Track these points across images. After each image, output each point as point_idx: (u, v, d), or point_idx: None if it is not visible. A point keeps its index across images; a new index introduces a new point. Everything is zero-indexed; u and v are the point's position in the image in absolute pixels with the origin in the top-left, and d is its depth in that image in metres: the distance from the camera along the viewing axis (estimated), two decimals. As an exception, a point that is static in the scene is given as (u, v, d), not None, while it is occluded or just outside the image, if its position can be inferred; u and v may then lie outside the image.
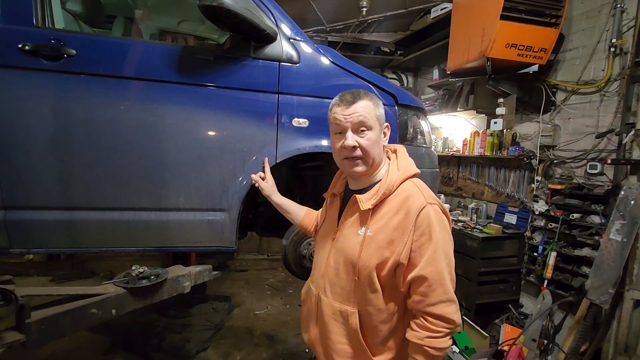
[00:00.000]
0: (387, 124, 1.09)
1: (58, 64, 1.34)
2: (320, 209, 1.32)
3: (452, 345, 2.50)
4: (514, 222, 3.22)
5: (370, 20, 4.25)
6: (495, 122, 3.25)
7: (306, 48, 1.58)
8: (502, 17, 2.50)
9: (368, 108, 1.02)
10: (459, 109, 3.69)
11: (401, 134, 1.71)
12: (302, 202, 1.48)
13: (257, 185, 1.47)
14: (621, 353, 2.28)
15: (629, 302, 2.26)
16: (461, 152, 3.88)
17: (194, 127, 1.48)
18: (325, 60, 1.60)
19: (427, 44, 3.94)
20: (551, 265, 2.70)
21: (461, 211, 3.90)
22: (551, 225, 2.78)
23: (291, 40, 1.55)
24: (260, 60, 1.51)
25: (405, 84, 5.06)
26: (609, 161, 2.41)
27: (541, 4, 2.54)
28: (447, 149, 4.15)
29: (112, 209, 1.47)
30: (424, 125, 1.84)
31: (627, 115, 2.38)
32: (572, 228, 2.63)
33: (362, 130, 1.01)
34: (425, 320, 0.96)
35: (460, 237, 3.11)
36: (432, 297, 0.94)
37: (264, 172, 1.51)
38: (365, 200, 1.03)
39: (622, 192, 2.28)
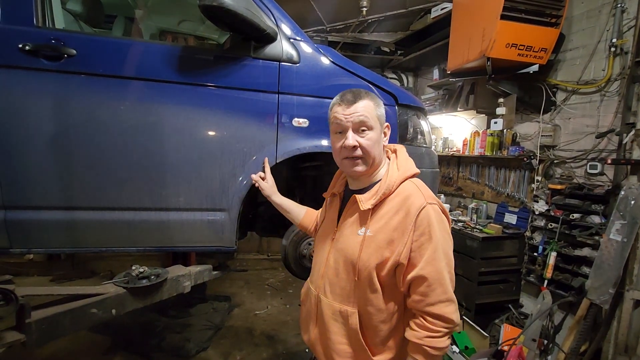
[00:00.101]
0: (387, 123, 1.09)
1: (58, 64, 1.34)
2: (320, 209, 1.32)
3: (451, 345, 2.52)
4: (514, 222, 3.22)
5: (370, 20, 4.25)
6: (495, 122, 3.25)
7: (306, 48, 1.58)
8: (503, 17, 2.49)
9: (369, 108, 1.02)
10: (459, 109, 3.69)
11: (401, 133, 1.71)
12: (302, 202, 1.48)
13: (257, 185, 1.47)
14: (621, 353, 2.28)
15: (629, 302, 2.26)
16: (461, 152, 3.88)
17: (194, 127, 1.48)
18: (325, 60, 1.60)
19: (427, 44, 3.94)
20: (551, 265, 2.70)
21: (461, 211, 3.90)
22: (551, 225, 2.78)
23: (291, 40, 1.55)
24: (261, 60, 1.51)
25: (406, 84, 5.06)
26: (609, 161, 2.41)
27: (541, 3, 2.54)
28: (447, 149, 4.15)
29: (112, 209, 1.47)
30: (424, 125, 1.84)
31: (627, 115, 2.38)
32: (572, 228, 2.63)
33: (363, 130, 1.01)
34: (425, 319, 0.96)
35: (460, 237, 3.10)
36: (431, 296, 0.94)
37: (264, 172, 1.51)
38: (365, 200, 1.02)
39: (622, 192, 2.28)
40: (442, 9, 3.62)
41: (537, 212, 2.93)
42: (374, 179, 1.08)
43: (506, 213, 3.33)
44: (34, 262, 3.40)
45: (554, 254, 2.69)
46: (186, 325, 2.93)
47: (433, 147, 1.93)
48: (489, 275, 3.04)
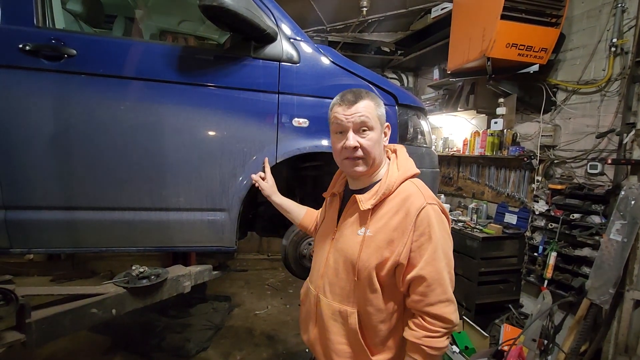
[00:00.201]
0: (387, 123, 1.09)
1: (58, 64, 1.34)
2: (320, 209, 1.32)
3: (451, 345, 2.52)
4: (514, 222, 3.22)
5: (370, 20, 4.25)
6: (495, 122, 3.25)
7: (306, 48, 1.58)
8: (503, 17, 2.49)
9: (369, 108, 1.02)
10: (459, 109, 3.69)
11: (401, 133, 1.71)
12: (302, 202, 1.48)
13: (257, 185, 1.47)
14: (621, 353, 2.28)
15: (629, 302, 2.26)
16: (461, 152, 3.87)
17: (194, 127, 1.48)
18: (325, 60, 1.60)
19: (427, 44, 3.94)
20: (551, 265, 2.70)
21: (461, 211, 3.90)
22: (551, 225, 2.77)
23: (291, 40, 1.55)
24: (261, 60, 1.51)
25: (406, 84, 5.06)
26: (609, 161, 2.41)
27: (542, 3, 2.54)
28: (447, 149, 4.15)
29: (112, 209, 1.47)
30: (424, 125, 1.84)
31: (627, 115, 2.38)
32: (573, 228, 2.63)
33: (364, 131, 1.01)
34: (424, 319, 0.96)
35: (460, 237, 3.10)
36: (431, 297, 0.94)
37: (264, 172, 1.51)
38: (365, 200, 1.02)
39: (623, 192, 2.28)
40: (442, 9, 3.62)
41: (537, 212, 2.92)
42: (374, 179, 1.08)
43: (506, 213, 3.33)
44: (34, 262, 3.40)
45: (554, 254, 2.69)
46: (186, 325, 2.93)
47: (433, 147, 1.93)
48: (489, 275, 3.04)
